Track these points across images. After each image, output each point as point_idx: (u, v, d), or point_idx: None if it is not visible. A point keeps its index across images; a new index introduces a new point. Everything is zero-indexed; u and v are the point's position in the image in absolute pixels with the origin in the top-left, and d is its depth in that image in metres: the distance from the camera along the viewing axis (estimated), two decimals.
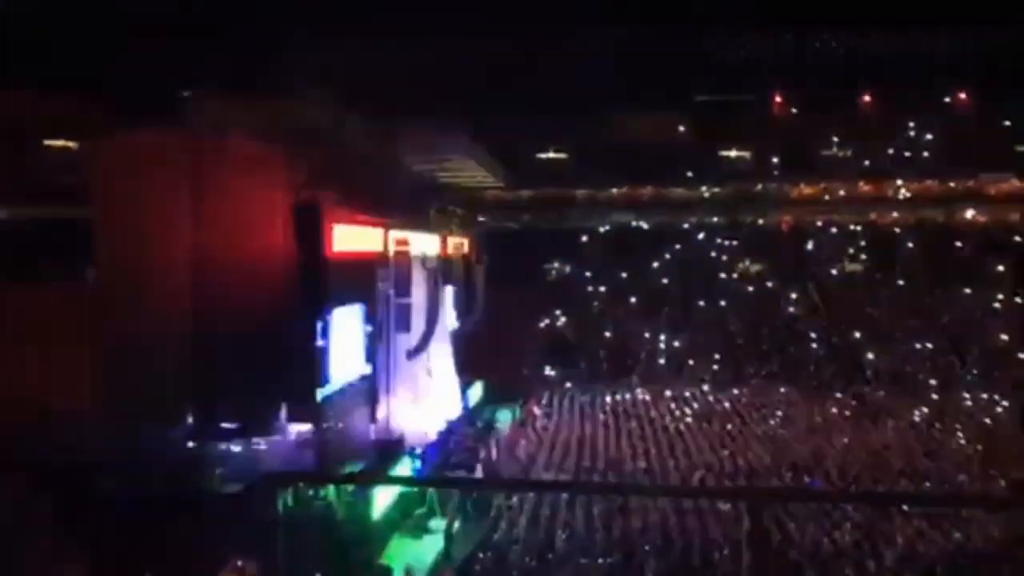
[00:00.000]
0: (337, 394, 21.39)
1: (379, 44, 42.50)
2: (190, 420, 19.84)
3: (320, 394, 20.19)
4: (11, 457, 18.41)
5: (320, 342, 20.21)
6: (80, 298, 21.83)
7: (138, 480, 17.50)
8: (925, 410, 33.83)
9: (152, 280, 20.38)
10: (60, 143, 36.39)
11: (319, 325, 20.01)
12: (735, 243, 51.17)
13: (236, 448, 19.63)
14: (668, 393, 37.45)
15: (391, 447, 23.89)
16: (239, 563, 13.66)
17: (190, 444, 19.55)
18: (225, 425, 19.83)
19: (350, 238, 21.74)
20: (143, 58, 35.21)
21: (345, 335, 22.08)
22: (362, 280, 23.41)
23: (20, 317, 21.39)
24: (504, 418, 33.52)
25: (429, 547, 19.48)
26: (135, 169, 20.50)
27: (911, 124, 50.87)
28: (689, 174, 51.51)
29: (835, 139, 51.53)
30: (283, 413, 19.99)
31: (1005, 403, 34.88)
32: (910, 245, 49.75)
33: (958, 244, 49.21)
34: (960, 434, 29.59)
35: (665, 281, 48.74)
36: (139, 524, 15.73)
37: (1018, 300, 45.17)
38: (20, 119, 33.74)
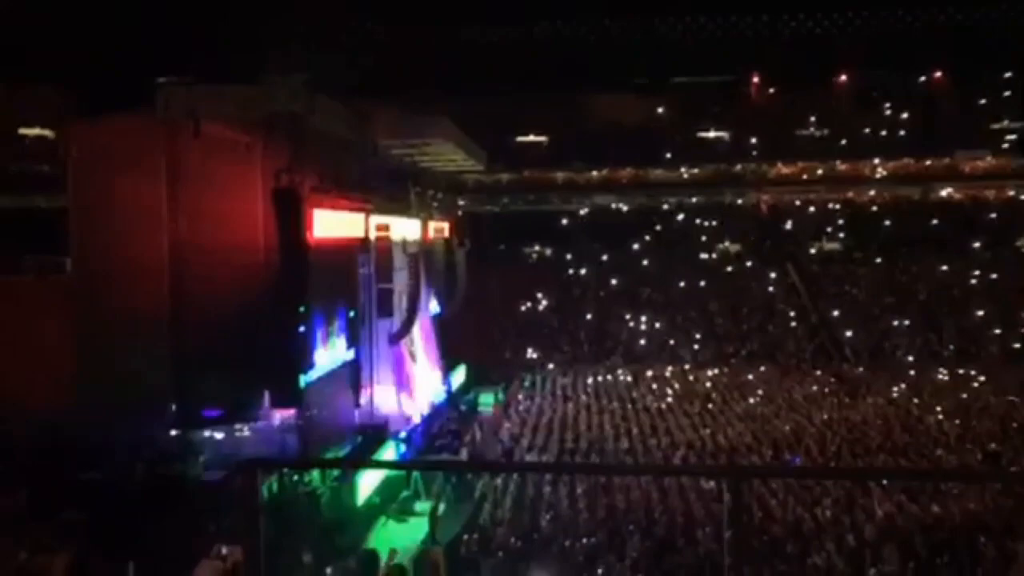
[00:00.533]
0: (320, 380, 21.40)
1: (356, 28, 42.28)
2: (172, 408, 19.82)
3: (303, 380, 20.19)
4: None
5: (301, 328, 20.19)
6: (58, 288, 21.72)
7: (121, 468, 17.48)
8: (903, 386, 34.20)
9: (130, 268, 20.31)
10: (35, 132, 36.08)
11: (300, 311, 19.98)
12: (714, 223, 51.44)
13: (219, 435, 19.64)
14: (649, 373, 37.64)
15: (375, 431, 23.96)
16: (222, 550, 13.65)
17: (172, 432, 19.52)
18: (207, 412, 19.82)
19: (330, 223, 21.70)
20: (117, 47, 34.88)
21: (326, 320, 22.08)
22: (343, 266, 23.40)
23: None
24: (487, 401, 33.58)
25: (414, 530, 19.55)
26: (110, 158, 20.37)
27: (887, 103, 51.20)
28: (668, 155, 51.71)
29: (812, 119, 51.80)
30: (266, 399, 19.99)
31: (982, 378, 35.30)
32: (887, 223, 50.16)
33: (935, 221, 49.67)
34: (938, 409, 29.95)
35: (645, 262, 48.96)
36: (122, 512, 15.72)
37: (993, 276, 45.65)
38: None
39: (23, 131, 36.46)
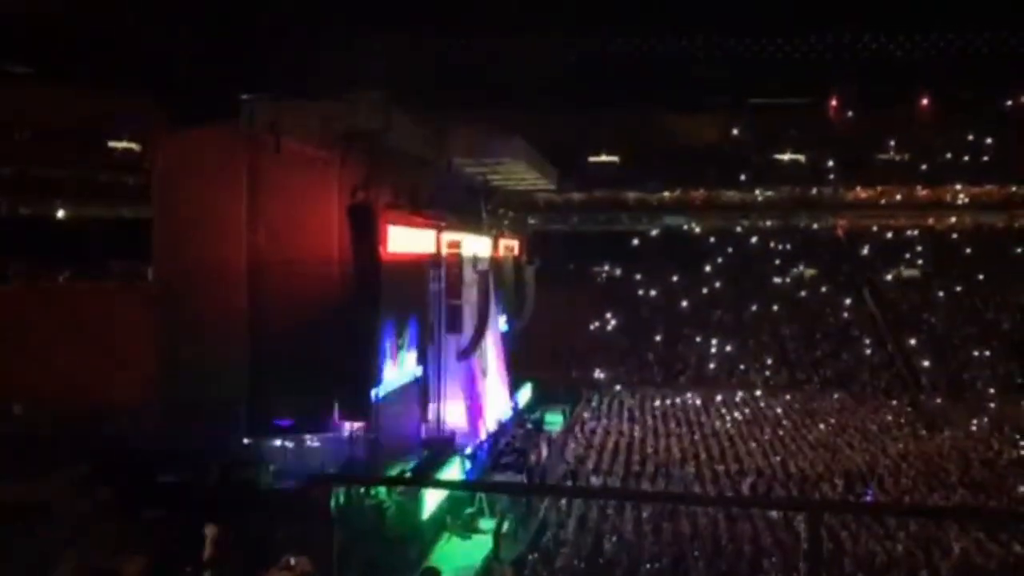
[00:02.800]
0: (389, 393, 21.61)
1: (433, 47, 42.82)
2: (245, 416, 20.18)
3: (372, 393, 20.41)
4: (74, 449, 18.93)
5: (373, 341, 20.43)
6: (140, 294, 22.34)
7: (195, 473, 17.86)
8: (983, 419, 33.15)
9: (209, 277, 20.76)
10: (123, 144, 37.29)
11: (372, 325, 20.23)
12: (788, 247, 50.66)
13: (289, 444, 19.94)
14: (719, 397, 37.13)
15: (442, 446, 24.08)
16: (291, 560, 13.83)
17: (245, 440, 19.88)
18: (279, 422, 20.13)
19: (403, 239, 21.95)
20: (203, 61, 35.88)
21: (397, 335, 22.31)
22: (415, 281, 23.62)
23: (83, 313, 21.94)
24: (553, 419, 33.53)
25: (478, 547, 19.56)
26: (194, 170, 20.91)
27: (970, 128, 49.88)
28: (743, 177, 51.17)
29: (892, 143, 50.73)
30: (336, 411, 20.24)
31: None
32: (968, 251, 48.79)
33: (1019, 250, 48.16)
34: (1020, 444, 28.94)
35: (717, 285, 48.41)
36: (194, 517, 16.02)
37: None
38: (84, 119, 34.59)
39: (112, 143, 37.72)
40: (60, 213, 35.46)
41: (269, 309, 20.40)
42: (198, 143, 21.30)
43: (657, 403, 36.20)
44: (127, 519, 15.73)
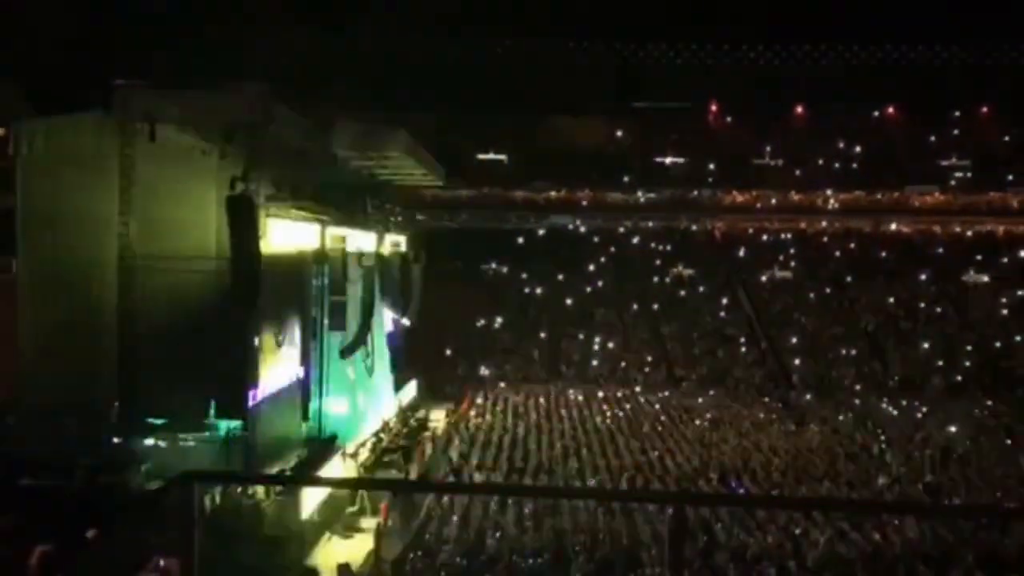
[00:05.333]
0: (269, 391, 21.16)
1: (318, 38, 42.16)
2: (116, 415, 19.46)
3: (251, 392, 19.97)
4: None
5: (251, 338, 19.99)
6: (3, 288, 21.27)
7: (60, 475, 17.11)
8: (848, 415, 34.71)
9: (78, 271, 19.97)
10: None
11: (251, 321, 19.78)
12: (668, 248, 51.98)
13: (163, 444, 19.31)
14: (601, 394, 37.77)
15: (323, 445, 23.75)
16: (160, 562, 13.39)
17: (115, 439, 19.16)
18: (152, 420, 19.50)
19: (285, 233, 21.55)
20: (75, 46, 34.38)
21: (278, 332, 21.87)
22: (297, 277, 23.22)
23: None
24: (438, 417, 33.48)
25: (360, 546, 19.38)
26: (62, 158, 20.04)
27: (841, 137, 52.23)
28: (626, 179, 52.24)
29: (768, 149, 52.66)
30: (212, 410, 19.72)
31: (924, 409, 35.95)
32: (837, 253, 51.09)
33: (883, 253, 50.70)
34: (881, 439, 30.42)
35: (600, 283, 49.27)
36: (59, 520, 15.35)
37: (938, 309, 46.63)
38: None
39: None
40: None
41: (142, 305, 19.75)
42: (67, 130, 20.42)
43: (541, 400, 36.55)
44: None
